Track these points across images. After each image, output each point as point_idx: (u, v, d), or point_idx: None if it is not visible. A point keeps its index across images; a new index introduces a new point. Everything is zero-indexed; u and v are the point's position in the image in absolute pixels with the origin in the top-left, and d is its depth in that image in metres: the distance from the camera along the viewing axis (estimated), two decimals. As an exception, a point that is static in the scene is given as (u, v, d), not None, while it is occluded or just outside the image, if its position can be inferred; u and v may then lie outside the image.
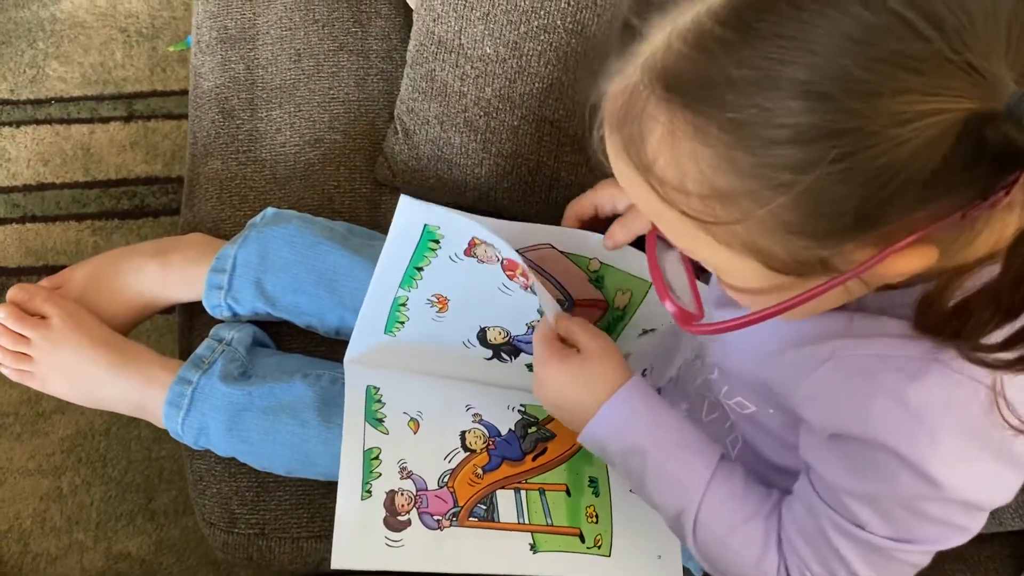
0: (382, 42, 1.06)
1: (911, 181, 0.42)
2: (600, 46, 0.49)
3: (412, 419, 0.85)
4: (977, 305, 0.48)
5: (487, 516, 0.81)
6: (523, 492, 0.83)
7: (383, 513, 0.79)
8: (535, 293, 0.77)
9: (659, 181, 0.47)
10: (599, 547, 0.82)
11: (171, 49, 1.47)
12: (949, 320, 0.49)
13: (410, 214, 0.77)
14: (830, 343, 0.58)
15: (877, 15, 0.40)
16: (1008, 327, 0.48)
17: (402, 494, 0.81)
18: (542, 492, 0.83)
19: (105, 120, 1.43)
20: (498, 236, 0.75)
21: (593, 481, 0.85)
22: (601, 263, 0.87)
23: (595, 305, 0.89)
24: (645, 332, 0.89)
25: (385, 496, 0.80)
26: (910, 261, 0.47)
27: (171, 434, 0.91)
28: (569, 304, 0.88)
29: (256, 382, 0.89)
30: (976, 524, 0.60)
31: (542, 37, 0.89)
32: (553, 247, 0.86)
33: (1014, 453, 0.56)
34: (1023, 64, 0.42)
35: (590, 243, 0.84)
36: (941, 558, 0.97)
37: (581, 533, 0.82)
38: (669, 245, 0.56)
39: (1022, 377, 0.52)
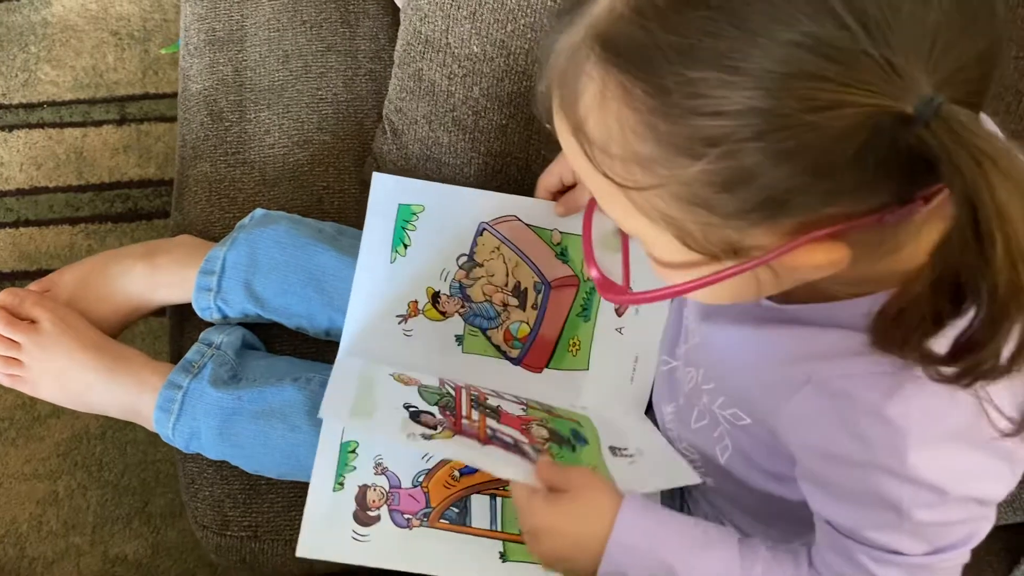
0: (370, 42, 1.06)
1: (820, 172, 0.43)
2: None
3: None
4: (910, 312, 0.47)
5: (459, 520, 0.81)
6: (499, 499, 0.82)
7: (353, 506, 0.79)
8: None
9: (588, 141, 0.48)
10: None
11: (163, 52, 1.46)
12: (892, 329, 0.48)
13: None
14: (804, 365, 0.58)
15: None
16: (950, 337, 0.47)
17: (375, 489, 0.80)
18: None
19: (98, 123, 1.43)
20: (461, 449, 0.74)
21: None
22: (562, 234, 0.88)
23: (569, 283, 0.89)
24: None
25: (357, 490, 0.79)
26: (817, 256, 0.47)
27: (162, 438, 0.91)
28: (546, 288, 0.88)
29: (246, 386, 0.89)
30: (993, 513, 0.60)
31: (529, 35, 0.89)
32: (519, 219, 0.87)
33: (1008, 449, 0.56)
34: (944, 71, 0.42)
35: (553, 213, 0.86)
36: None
37: None
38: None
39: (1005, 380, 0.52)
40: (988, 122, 0.63)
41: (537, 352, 0.88)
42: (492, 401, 0.82)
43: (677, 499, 0.88)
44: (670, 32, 0.43)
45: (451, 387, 0.83)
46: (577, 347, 0.89)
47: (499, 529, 0.80)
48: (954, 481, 0.56)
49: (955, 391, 0.52)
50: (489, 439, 0.76)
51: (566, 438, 0.81)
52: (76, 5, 1.48)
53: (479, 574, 0.79)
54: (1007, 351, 0.45)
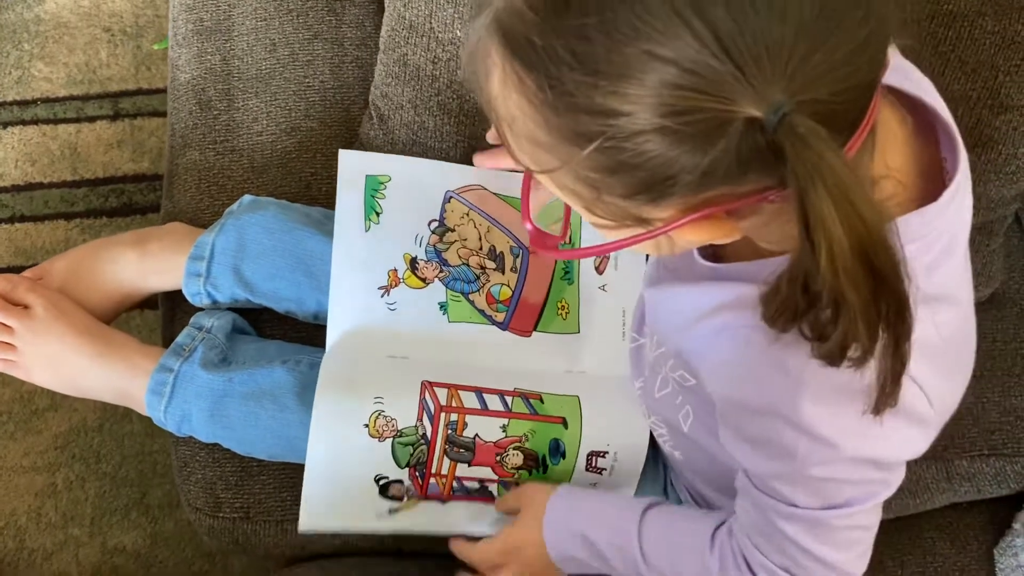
0: (356, 29, 1.07)
1: (687, 166, 0.46)
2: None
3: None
4: (771, 296, 0.50)
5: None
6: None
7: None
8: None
9: (499, 119, 0.51)
10: None
11: (156, 47, 1.47)
12: (763, 306, 0.51)
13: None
14: (722, 315, 0.60)
15: (664, 13, 0.43)
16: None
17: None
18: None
19: (91, 119, 1.44)
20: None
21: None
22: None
23: None
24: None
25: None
26: (707, 230, 0.51)
27: (154, 421, 0.92)
28: (525, 253, 0.90)
29: (236, 368, 0.90)
30: (895, 476, 0.61)
31: (511, 18, 0.89)
32: (484, 188, 0.90)
33: (909, 409, 0.57)
34: (804, 78, 0.44)
35: (516, 183, 0.88)
36: (921, 526, 0.98)
37: None
38: None
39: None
40: (911, 74, 0.63)
41: (523, 315, 0.89)
42: (471, 428, 0.84)
43: (660, 479, 0.89)
44: (552, 34, 0.45)
45: (430, 411, 0.84)
46: (566, 310, 0.90)
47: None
48: (848, 439, 0.57)
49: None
50: (452, 495, 0.84)
51: (541, 458, 0.85)
52: (69, 2, 1.49)
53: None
54: (855, 349, 0.48)
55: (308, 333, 0.96)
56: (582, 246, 0.90)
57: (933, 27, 0.85)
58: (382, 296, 0.88)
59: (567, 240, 0.63)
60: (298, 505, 0.91)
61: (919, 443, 0.60)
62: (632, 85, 0.44)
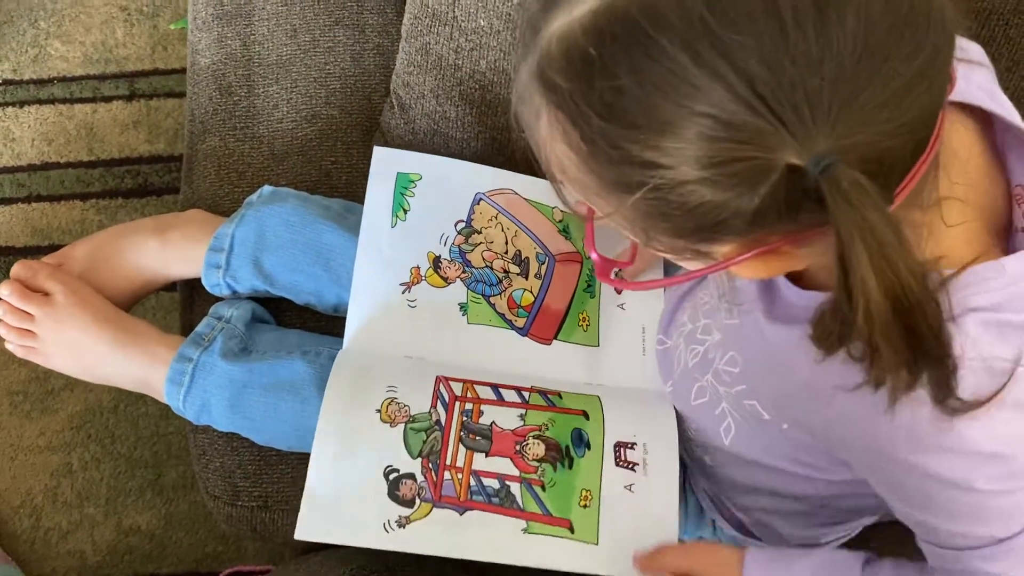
0: (378, 16, 1.06)
1: (734, 213, 0.46)
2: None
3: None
4: (820, 324, 0.50)
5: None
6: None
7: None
8: None
9: (549, 162, 0.52)
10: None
11: (172, 27, 1.47)
12: (815, 327, 0.51)
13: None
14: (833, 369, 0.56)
15: (696, 67, 0.43)
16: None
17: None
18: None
19: (107, 99, 1.44)
20: None
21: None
22: (563, 212, 0.89)
23: (572, 259, 0.90)
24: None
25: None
26: (765, 265, 0.50)
27: (173, 409, 0.92)
28: (551, 260, 0.89)
29: (256, 358, 0.90)
30: None
31: (536, 9, 0.88)
32: (516, 193, 0.89)
33: None
34: (842, 129, 0.44)
35: (551, 191, 0.87)
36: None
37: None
38: None
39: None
40: (997, 96, 0.62)
41: (544, 322, 0.88)
42: (487, 416, 0.81)
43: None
44: (589, 89, 0.46)
45: (444, 400, 0.82)
46: (587, 323, 0.89)
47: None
48: (1015, 446, 0.54)
49: (991, 362, 0.52)
50: (470, 498, 0.77)
51: (564, 449, 0.80)
52: (85, -20, 1.48)
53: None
54: (898, 378, 0.47)
55: (328, 322, 0.96)
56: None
57: (967, 24, 0.84)
58: (403, 292, 0.88)
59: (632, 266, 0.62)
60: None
61: None
62: (670, 139, 0.45)
